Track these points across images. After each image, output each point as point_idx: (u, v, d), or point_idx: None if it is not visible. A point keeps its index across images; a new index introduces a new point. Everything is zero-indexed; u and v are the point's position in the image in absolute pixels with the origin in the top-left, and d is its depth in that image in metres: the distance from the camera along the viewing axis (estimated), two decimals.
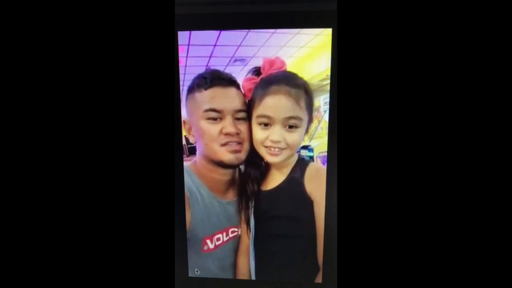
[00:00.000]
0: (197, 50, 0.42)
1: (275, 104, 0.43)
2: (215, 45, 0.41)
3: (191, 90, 0.43)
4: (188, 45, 0.41)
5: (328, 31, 0.41)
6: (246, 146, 0.45)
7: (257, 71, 0.45)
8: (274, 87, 0.43)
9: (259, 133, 0.44)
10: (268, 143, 0.44)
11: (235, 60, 0.42)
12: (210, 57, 0.42)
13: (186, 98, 0.44)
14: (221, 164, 0.45)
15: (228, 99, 0.43)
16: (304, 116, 0.43)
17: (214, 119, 0.43)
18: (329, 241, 0.46)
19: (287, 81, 0.43)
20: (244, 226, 0.47)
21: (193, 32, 0.41)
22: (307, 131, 0.44)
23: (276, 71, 0.44)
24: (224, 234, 0.47)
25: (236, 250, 0.48)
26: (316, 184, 0.46)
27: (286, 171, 0.46)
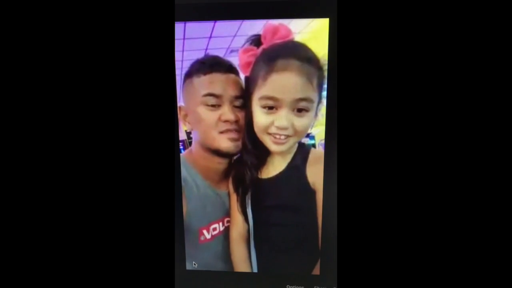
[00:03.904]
0: (191, 43, 0.39)
1: (284, 83, 0.35)
2: (210, 37, 0.38)
3: (188, 75, 0.39)
4: (184, 39, 0.38)
5: (325, 21, 0.36)
6: (243, 134, 0.40)
7: (256, 40, 0.37)
8: (281, 62, 0.35)
9: (262, 118, 0.37)
10: (273, 130, 0.37)
11: (231, 51, 0.38)
12: (206, 49, 0.38)
13: (183, 84, 0.39)
14: (218, 153, 0.41)
15: (227, 85, 0.38)
16: (315, 97, 0.37)
17: (213, 105, 0.39)
18: (328, 231, 0.43)
19: (297, 54, 0.35)
20: (237, 215, 0.43)
21: (187, 25, 0.38)
22: (316, 114, 0.38)
23: (281, 41, 0.36)
24: (220, 224, 0.44)
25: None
26: (319, 172, 0.41)
27: (288, 158, 0.41)
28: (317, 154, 0.40)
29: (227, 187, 0.42)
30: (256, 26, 0.36)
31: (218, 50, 0.38)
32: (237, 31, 0.37)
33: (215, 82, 0.38)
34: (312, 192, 0.41)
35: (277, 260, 0.44)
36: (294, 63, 0.35)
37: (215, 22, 0.37)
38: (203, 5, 0.36)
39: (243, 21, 0.36)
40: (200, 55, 0.38)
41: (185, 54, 0.38)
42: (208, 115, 0.39)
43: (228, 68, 0.38)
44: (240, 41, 0.37)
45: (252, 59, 0.37)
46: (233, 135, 0.39)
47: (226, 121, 0.39)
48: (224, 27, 0.37)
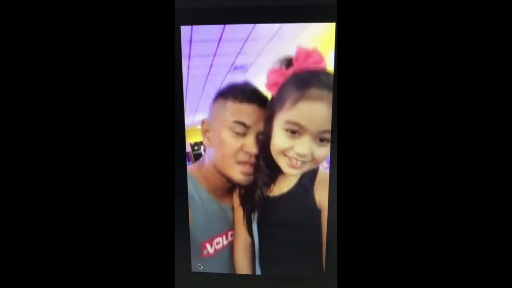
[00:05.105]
0: (199, 47, 0.38)
1: (313, 112, 0.35)
2: (217, 45, 0.37)
3: (223, 95, 0.38)
4: (190, 41, 0.38)
5: (332, 26, 0.36)
6: (256, 167, 0.40)
7: (287, 61, 0.36)
8: (314, 91, 0.35)
9: (282, 141, 0.37)
10: (291, 154, 0.37)
11: (235, 68, 0.38)
12: (211, 67, 0.38)
13: (214, 101, 0.39)
14: (228, 179, 0.41)
15: (259, 118, 0.38)
16: None
17: (238, 133, 0.39)
18: (333, 248, 0.44)
19: (330, 85, 0.35)
20: (242, 230, 0.43)
21: (194, 31, 0.37)
22: None
23: (313, 66, 0.36)
24: (224, 237, 0.44)
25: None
26: (326, 191, 0.41)
27: (296, 176, 0.41)
28: (325, 174, 0.41)
29: (231, 200, 0.42)
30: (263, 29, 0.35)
31: (226, 56, 0.37)
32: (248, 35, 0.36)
33: (248, 113, 0.38)
34: (318, 211, 0.42)
35: (281, 276, 0.44)
36: (327, 95, 0.35)
37: (224, 26, 0.36)
38: (206, 9, 0.36)
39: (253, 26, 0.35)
40: (208, 61, 0.37)
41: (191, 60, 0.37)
42: (231, 141, 0.39)
43: (263, 102, 0.37)
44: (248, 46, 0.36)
45: (281, 80, 0.36)
46: (248, 169, 0.39)
47: (247, 152, 0.39)
48: (233, 32, 0.36)
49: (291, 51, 0.36)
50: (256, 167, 0.40)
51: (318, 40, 0.36)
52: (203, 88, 0.39)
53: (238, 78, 0.38)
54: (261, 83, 0.37)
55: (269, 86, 0.37)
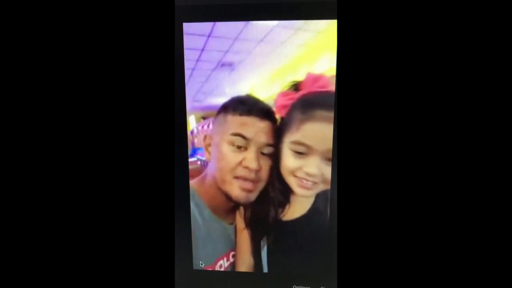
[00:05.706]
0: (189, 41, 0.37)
1: (318, 133, 0.36)
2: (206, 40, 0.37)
3: (224, 109, 0.38)
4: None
5: (333, 23, 0.35)
6: (260, 186, 0.39)
7: (295, 86, 0.38)
8: (319, 112, 0.36)
9: (290, 161, 0.38)
10: (300, 174, 0.38)
11: (222, 65, 0.37)
12: (198, 60, 0.37)
13: (217, 114, 0.39)
14: (226, 196, 0.40)
15: (260, 131, 0.38)
16: None
17: (239, 147, 0.38)
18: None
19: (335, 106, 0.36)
20: (247, 255, 0.42)
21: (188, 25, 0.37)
22: None
23: (320, 90, 0.37)
24: (225, 259, 0.43)
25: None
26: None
27: (310, 200, 0.41)
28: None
29: (234, 219, 0.41)
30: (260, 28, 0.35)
31: (217, 52, 0.36)
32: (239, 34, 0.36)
33: (248, 125, 0.37)
34: (332, 235, 0.40)
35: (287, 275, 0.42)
36: (332, 115, 0.36)
37: (214, 23, 0.35)
38: (205, 6, 0.36)
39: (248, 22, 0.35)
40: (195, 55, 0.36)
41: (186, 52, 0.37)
42: (230, 156, 0.38)
43: (265, 114, 0.37)
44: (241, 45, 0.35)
45: (289, 103, 0.38)
46: (248, 185, 0.39)
47: (246, 167, 0.38)
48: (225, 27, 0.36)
49: (281, 53, 0.37)
50: (271, 185, 0.39)
51: (310, 41, 0.36)
52: (188, 82, 0.38)
53: (225, 75, 0.37)
54: (248, 84, 0.37)
55: (278, 108, 0.39)
